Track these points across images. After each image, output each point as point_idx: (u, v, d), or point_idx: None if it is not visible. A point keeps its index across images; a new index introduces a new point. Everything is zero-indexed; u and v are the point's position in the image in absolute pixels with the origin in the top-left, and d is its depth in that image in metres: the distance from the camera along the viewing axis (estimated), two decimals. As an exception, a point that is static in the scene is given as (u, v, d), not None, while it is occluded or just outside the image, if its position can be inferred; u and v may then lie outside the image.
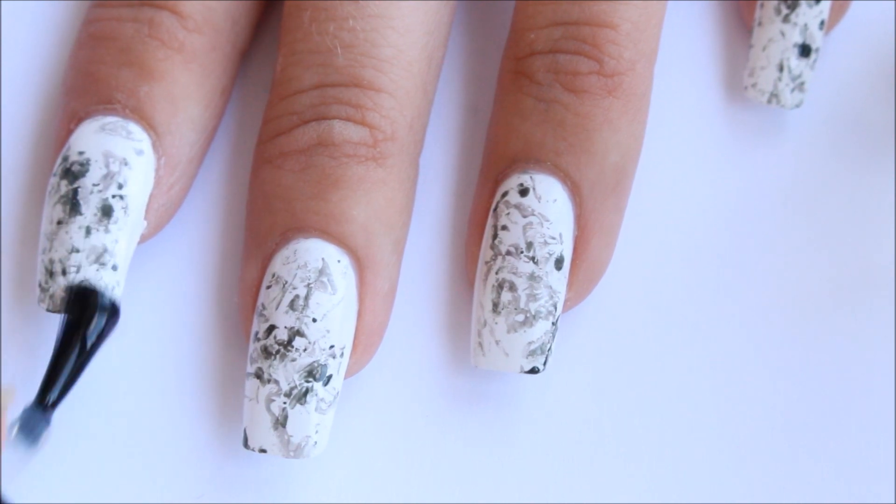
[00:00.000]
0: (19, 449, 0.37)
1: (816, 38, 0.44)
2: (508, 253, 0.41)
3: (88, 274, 0.40)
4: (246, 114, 0.45)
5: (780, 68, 0.44)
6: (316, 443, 0.39)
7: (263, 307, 0.40)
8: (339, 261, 0.40)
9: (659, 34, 0.43)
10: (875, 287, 0.43)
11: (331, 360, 0.39)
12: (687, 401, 0.42)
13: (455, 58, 0.45)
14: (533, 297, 0.41)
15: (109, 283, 0.40)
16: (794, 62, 0.44)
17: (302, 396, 0.39)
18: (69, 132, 0.42)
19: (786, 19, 0.44)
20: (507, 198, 0.41)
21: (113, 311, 0.39)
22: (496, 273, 0.41)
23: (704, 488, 0.42)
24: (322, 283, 0.40)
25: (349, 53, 0.41)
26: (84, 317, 0.38)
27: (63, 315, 0.39)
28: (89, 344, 0.38)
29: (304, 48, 0.42)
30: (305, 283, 0.40)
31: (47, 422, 0.38)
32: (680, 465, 0.42)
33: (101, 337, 0.39)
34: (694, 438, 0.42)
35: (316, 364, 0.39)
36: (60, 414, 0.39)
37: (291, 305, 0.40)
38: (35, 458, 0.38)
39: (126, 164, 0.41)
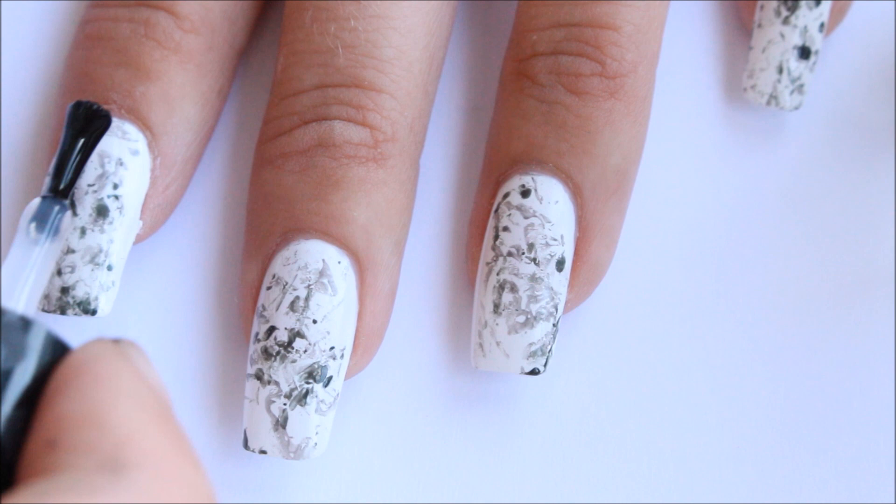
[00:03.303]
0: (42, 244, 0.36)
1: (816, 41, 0.44)
2: (510, 254, 0.41)
3: (83, 275, 0.40)
4: (246, 114, 0.45)
5: (780, 70, 0.44)
6: (316, 444, 0.39)
7: (264, 308, 0.40)
8: (339, 262, 0.40)
9: (661, 36, 0.43)
10: (875, 287, 0.43)
11: (331, 362, 0.39)
12: (687, 401, 0.42)
13: (456, 58, 0.45)
14: (534, 298, 0.41)
15: (105, 283, 0.40)
16: (794, 64, 0.44)
17: (302, 398, 0.39)
18: (65, 132, 0.42)
19: (786, 21, 0.44)
20: (508, 199, 0.41)
21: (106, 116, 0.40)
22: (497, 274, 0.41)
23: (705, 488, 0.42)
24: (322, 284, 0.40)
25: (350, 54, 0.41)
26: (83, 124, 0.39)
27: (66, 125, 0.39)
28: (90, 139, 0.39)
29: (305, 48, 0.41)
30: (306, 285, 0.40)
31: (65, 207, 0.37)
32: (680, 466, 0.42)
33: (100, 134, 0.39)
34: (694, 439, 0.42)
35: (316, 365, 0.39)
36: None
37: (292, 306, 0.39)
38: (61, 246, 0.37)
39: (121, 164, 0.41)
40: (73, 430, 0.30)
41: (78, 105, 0.39)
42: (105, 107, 0.41)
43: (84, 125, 0.39)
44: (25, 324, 0.31)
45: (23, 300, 0.34)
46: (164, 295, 0.43)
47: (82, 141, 0.39)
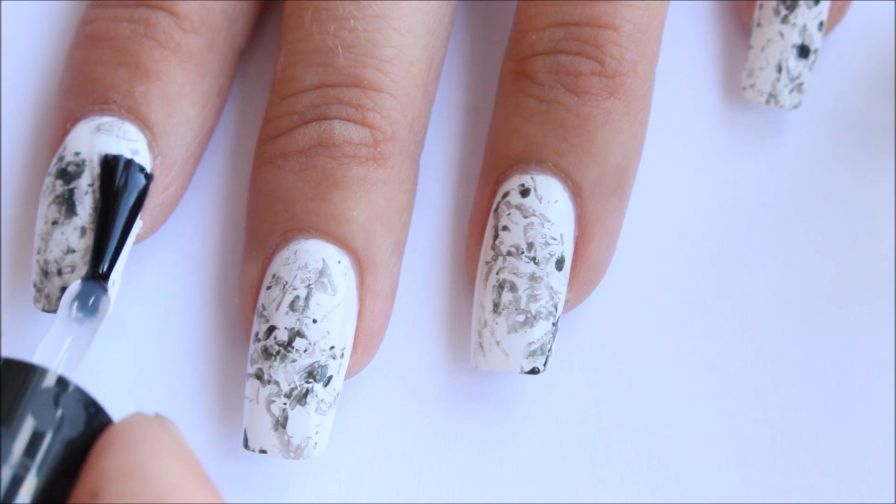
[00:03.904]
0: (82, 322, 0.38)
1: (815, 39, 0.44)
2: (509, 253, 0.41)
3: (83, 274, 0.40)
4: (246, 114, 0.45)
5: (779, 69, 0.44)
6: (316, 444, 0.39)
7: (264, 308, 0.40)
8: (339, 261, 0.40)
9: (660, 35, 0.43)
10: (875, 287, 0.43)
11: (331, 361, 0.39)
12: (687, 401, 0.42)
13: (456, 58, 0.45)
14: (533, 297, 0.41)
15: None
16: (793, 63, 0.44)
17: (302, 397, 0.39)
18: (65, 132, 0.42)
19: (785, 20, 0.44)
20: (508, 198, 0.41)
21: (144, 175, 0.40)
22: (497, 273, 0.41)
23: (705, 488, 0.42)
24: (322, 283, 0.40)
25: (350, 53, 0.41)
26: (117, 181, 0.40)
27: (98, 186, 0.40)
28: (129, 208, 0.40)
29: (305, 48, 0.42)
30: (306, 284, 0.40)
31: (104, 289, 0.39)
32: (680, 466, 0.42)
33: (140, 199, 0.40)
34: (694, 439, 0.42)
35: (316, 365, 0.39)
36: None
37: (292, 306, 0.39)
38: (98, 330, 0.39)
39: (122, 164, 0.41)
40: (115, 481, 0.31)
41: (115, 163, 0.40)
42: (105, 107, 0.41)
43: (122, 190, 0.40)
44: (81, 396, 0.33)
45: (59, 369, 0.36)
46: (165, 295, 0.43)
47: (127, 217, 0.40)
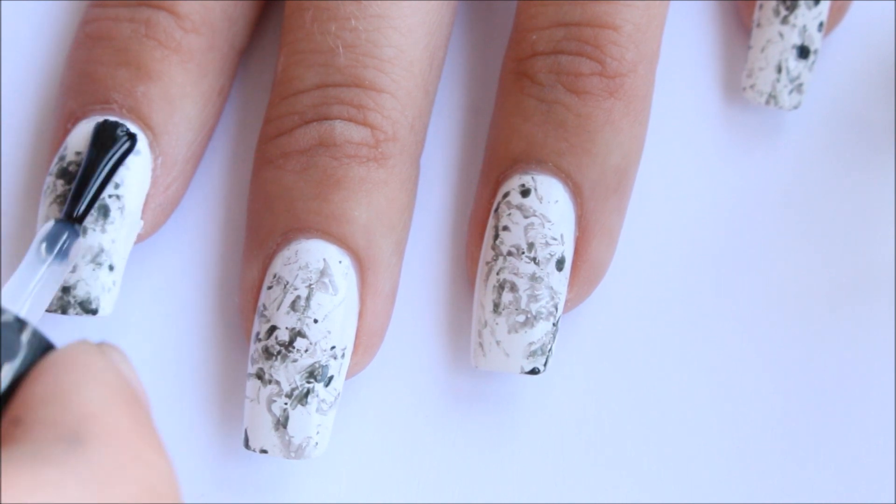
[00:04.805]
0: (51, 263, 0.38)
1: (815, 40, 0.44)
2: (509, 253, 0.41)
3: (84, 274, 0.40)
4: (246, 114, 0.45)
5: (779, 69, 0.44)
6: (317, 444, 0.39)
7: (264, 308, 0.40)
8: (340, 261, 0.40)
9: (661, 36, 0.43)
10: (875, 287, 0.44)
11: (332, 361, 0.39)
12: (687, 401, 0.42)
13: (456, 58, 0.45)
14: (534, 297, 0.41)
15: (106, 283, 0.40)
16: (793, 63, 0.44)
17: (303, 397, 0.39)
18: (66, 132, 0.42)
19: (784, 21, 0.44)
20: (508, 198, 0.41)
21: (131, 137, 0.41)
22: (497, 273, 0.41)
23: (704, 488, 0.42)
24: (323, 283, 0.40)
25: (351, 53, 0.41)
26: (106, 144, 0.40)
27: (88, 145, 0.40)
28: (111, 162, 0.40)
29: (306, 48, 0.42)
30: (307, 284, 0.40)
31: (76, 233, 0.39)
32: (680, 466, 0.42)
33: (122, 157, 0.41)
34: (694, 439, 0.42)
35: (317, 365, 0.39)
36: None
37: (293, 306, 0.39)
38: (67, 272, 0.39)
39: (122, 164, 0.41)
40: (37, 407, 0.30)
41: (104, 125, 0.41)
42: (106, 107, 0.41)
43: (107, 147, 0.40)
44: (21, 326, 0.32)
45: (23, 311, 0.36)
46: (165, 295, 0.43)
47: (103, 166, 0.40)
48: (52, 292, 0.37)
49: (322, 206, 0.40)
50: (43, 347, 0.32)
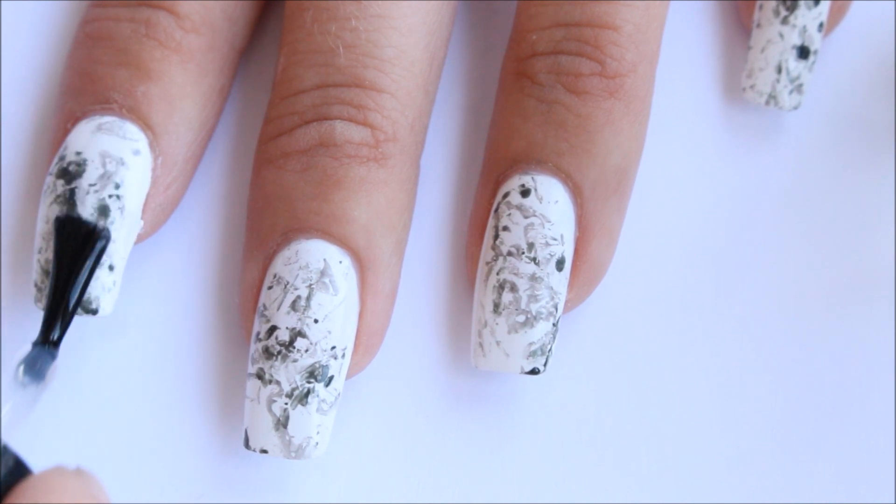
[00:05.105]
0: (27, 387, 0.38)
1: (815, 40, 0.44)
2: (509, 254, 0.41)
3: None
4: (246, 114, 0.45)
5: (779, 70, 0.44)
6: (317, 444, 0.39)
7: (265, 308, 0.40)
8: (340, 261, 0.40)
9: (661, 36, 0.43)
10: (875, 287, 0.44)
11: (332, 361, 0.39)
12: (687, 402, 0.42)
13: (456, 58, 0.45)
14: (534, 297, 0.41)
15: (106, 283, 0.40)
16: (793, 64, 0.44)
17: (303, 397, 0.39)
18: (66, 132, 0.42)
19: (784, 21, 0.44)
20: (508, 198, 0.41)
21: (94, 233, 0.39)
22: (497, 274, 0.41)
23: (705, 488, 0.42)
24: (323, 283, 0.40)
25: (351, 53, 0.41)
26: (71, 247, 0.39)
27: (54, 249, 0.39)
28: (83, 273, 0.39)
29: (306, 48, 0.42)
30: (307, 284, 0.40)
31: (53, 356, 0.39)
32: (680, 466, 0.42)
33: (96, 261, 0.39)
34: (694, 439, 0.42)
35: (317, 365, 0.39)
36: (61, 415, 0.39)
37: (293, 306, 0.39)
38: (43, 396, 0.39)
39: (123, 163, 0.41)
40: None
41: (67, 223, 0.39)
42: (106, 107, 0.41)
43: (77, 253, 0.39)
44: (9, 456, 0.33)
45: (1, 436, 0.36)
46: (165, 295, 0.43)
47: (75, 278, 0.39)
48: (28, 414, 0.38)
49: (322, 206, 0.40)
50: (20, 472, 0.33)
